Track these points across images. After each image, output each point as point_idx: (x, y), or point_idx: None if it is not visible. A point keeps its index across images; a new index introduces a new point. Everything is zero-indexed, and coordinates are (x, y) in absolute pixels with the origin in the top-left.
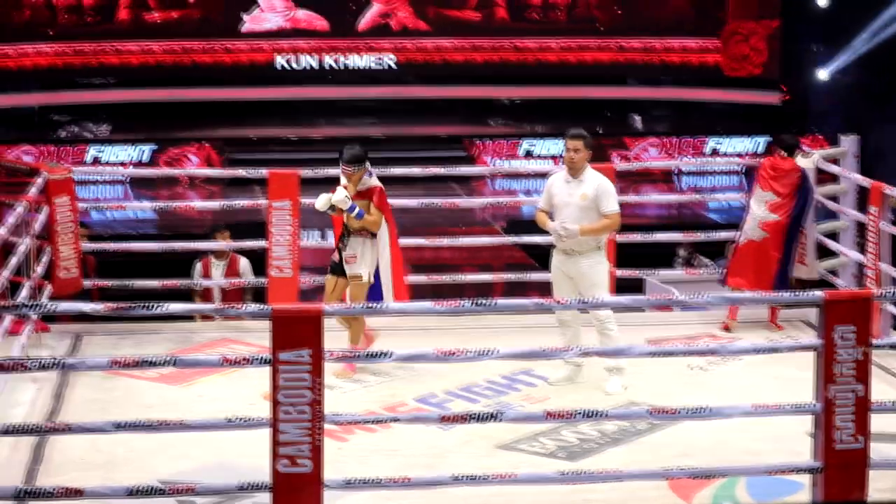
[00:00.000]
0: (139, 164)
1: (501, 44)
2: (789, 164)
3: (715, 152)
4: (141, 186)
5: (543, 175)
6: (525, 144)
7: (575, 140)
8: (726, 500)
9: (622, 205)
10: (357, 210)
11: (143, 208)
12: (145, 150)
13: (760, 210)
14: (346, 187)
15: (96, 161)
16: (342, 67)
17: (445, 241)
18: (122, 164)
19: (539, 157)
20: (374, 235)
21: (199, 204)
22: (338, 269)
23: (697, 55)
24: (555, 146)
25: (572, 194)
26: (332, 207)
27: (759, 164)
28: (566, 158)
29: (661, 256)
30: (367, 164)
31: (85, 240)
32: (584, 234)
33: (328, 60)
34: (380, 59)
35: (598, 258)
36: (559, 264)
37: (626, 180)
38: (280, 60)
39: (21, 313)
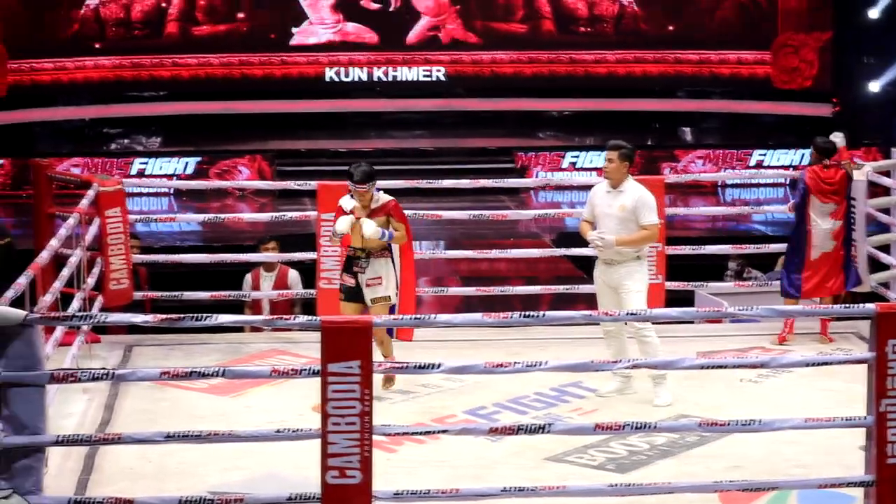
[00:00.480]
0: (183, 176)
1: (550, 56)
2: (839, 173)
3: (759, 164)
4: (185, 198)
5: (590, 187)
6: (569, 156)
7: (610, 151)
8: None
9: (671, 217)
10: (388, 235)
11: (191, 220)
12: (190, 163)
13: (826, 223)
14: (353, 210)
15: (141, 173)
16: (391, 80)
17: (494, 253)
18: (167, 176)
19: (582, 168)
20: (389, 250)
21: (247, 216)
22: (354, 296)
23: (748, 67)
24: (598, 158)
25: (612, 205)
26: (334, 235)
27: (808, 177)
28: (603, 169)
29: (712, 268)
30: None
31: (136, 251)
32: (620, 245)
33: (377, 73)
34: (429, 71)
35: (637, 268)
36: (600, 275)
37: (676, 192)
38: (330, 73)
39: (73, 325)
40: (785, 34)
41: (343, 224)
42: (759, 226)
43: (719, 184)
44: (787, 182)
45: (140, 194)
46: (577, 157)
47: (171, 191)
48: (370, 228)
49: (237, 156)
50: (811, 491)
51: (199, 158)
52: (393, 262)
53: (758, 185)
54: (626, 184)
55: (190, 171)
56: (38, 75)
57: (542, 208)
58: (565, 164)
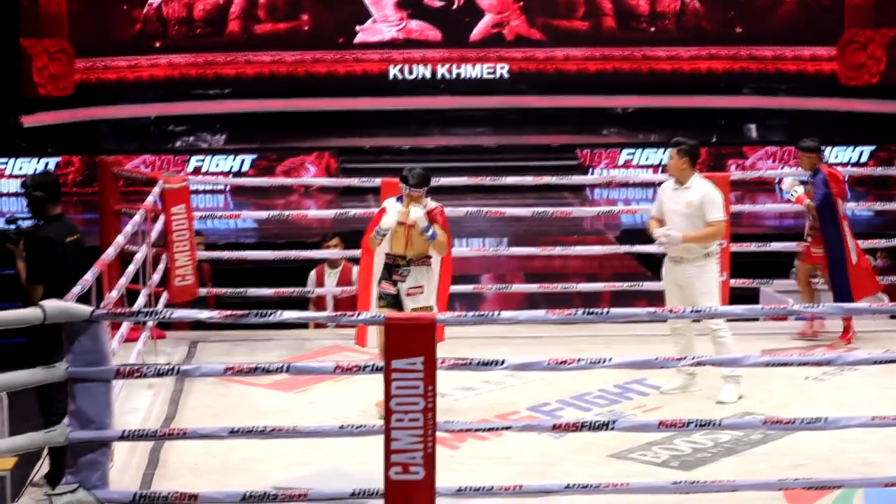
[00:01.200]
0: (240, 173)
1: (613, 53)
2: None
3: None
4: (244, 195)
5: (650, 184)
6: (625, 153)
7: (671, 148)
8: None
9: (737, 214)
10: (431, 231)
11: (255, 217)
12: (246, 160)
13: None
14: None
15: (198, 171)
16: (455, 77)
17: (557, 250)
18: (223, 173)
19: (638, 166)
20: (429, 259)
21: (311, 213)
22: (393, 303)
23: (813, 63)
24: (654, 155)
25: (678, 202)
26: (379, 231)
27: (830, 181)
28: (669, 166)
29: (777, 265)
30: None
31: (201, 248)
32: (686, 242)
33: (441, 70)
34: (492, 68)
35: (705, 265)
36: (669, 272)
37: (742, 189)
38: (393, 71)
39: (138, 320)
40: (851, 30)
41: (390, 219)
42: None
43: (778, 180)
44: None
45: (196, 192)
46: (633, 154)
47: (227, 188)
48: (417, 213)
49: (302, 153)
50: (878, 489)
51: (255, 156)
52: (433, 270)
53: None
54: (693, 181)
55: (247, 168)
56: (104, 73)
57: (600, 205)
58: (621, 161)
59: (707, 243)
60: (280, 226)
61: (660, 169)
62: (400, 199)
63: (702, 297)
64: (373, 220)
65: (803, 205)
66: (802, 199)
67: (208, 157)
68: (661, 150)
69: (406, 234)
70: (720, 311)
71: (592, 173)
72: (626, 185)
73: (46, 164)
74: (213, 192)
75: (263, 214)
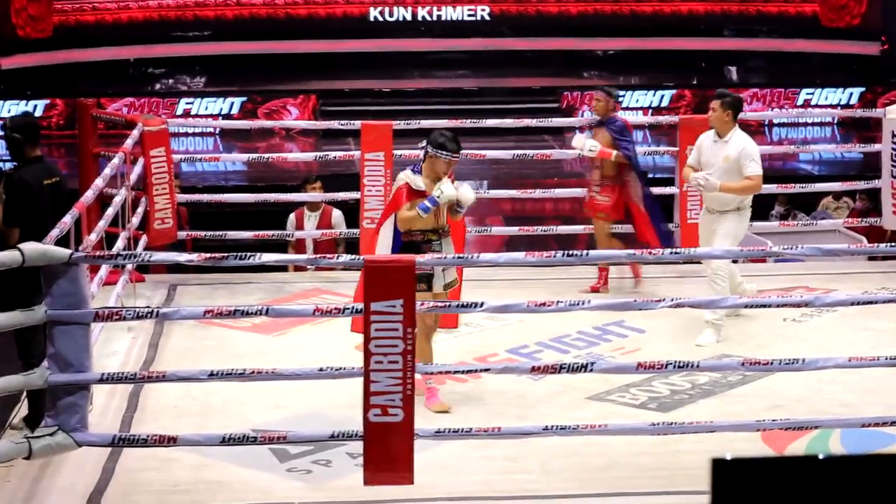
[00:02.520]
0: (229, 116)
1: None
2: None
3: (807, 103)
4: (231, 138)
5: (637, 127)
6: (650, 96)
7: (714, 100)
8: (820, 452)
9: None
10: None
11: (235, 160)
12: (235, 103)
13: None
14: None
15: (187, 113)
16: (435, 19)
17: (537, 193)
18: (213, 116)
19: (627, 108)
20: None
21: (291, 156)
22: (429, 282)
23: (794, 5)
24: (644, 97)
25: (717, 154)
26: (431, 207)
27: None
28: (709, 118)
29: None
30: None
31: (177, 191)
32: (724, 191)
33: (422, 12)
34: (473, 10)
35: (739, 218)
36: (704, 223)
37: None
38: (374, 12)
39: (117, 263)
40: None
41: (451, 192)
42: (805, 165)
43: (766, 123)
44: (836, 121)
45: (185, 134)
46: (623, 96)
47: (217, 131)
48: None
49: (283, 96)
50: (854, 430)
51: (244, 98)
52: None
53: (805, 125)
54: (732, 134)
55: (236, 111)
56: (82, 15)
57: None
58: (648, 104)
59: (742, 196)
60: (261, 169)
61: (650, 111)
62: (415, 169)
63: (720, 239)
64: (393, 200)
65: (611, 158)
66: (607, 153)
67: (197, 100)
68: (650, 92)
69: (438, 208)
70: (700, 253)
71: (582, 116)
72: None
73: (35, 107)
74: (202, 134)
75: (243, 157)
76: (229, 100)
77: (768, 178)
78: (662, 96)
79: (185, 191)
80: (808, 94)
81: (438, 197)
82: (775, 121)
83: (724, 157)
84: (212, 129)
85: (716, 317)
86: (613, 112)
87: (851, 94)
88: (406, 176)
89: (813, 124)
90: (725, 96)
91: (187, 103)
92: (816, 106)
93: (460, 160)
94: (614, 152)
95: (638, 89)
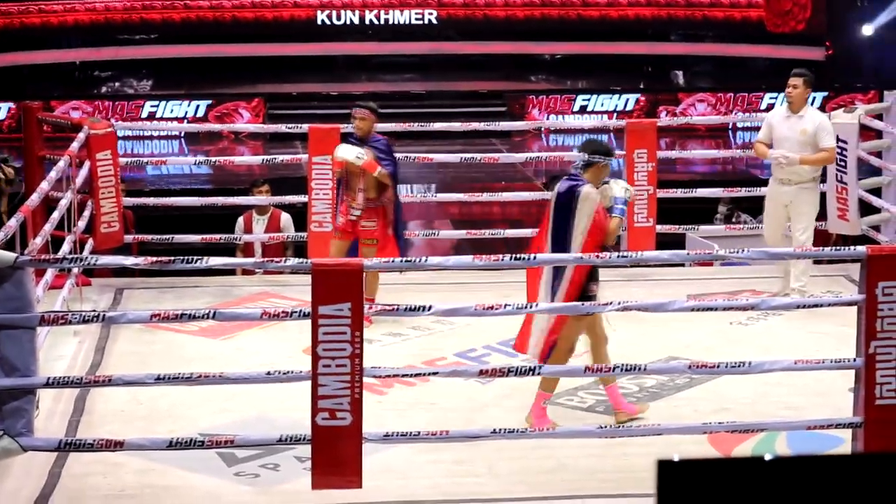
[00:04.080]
0: (195, 119)
1: None
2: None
3: (771, 108)
4: (194, 142)
5: (589, 131)
6: (580, 100)
7: (794, 78)
8: (766, 454)
9: (666, 160)
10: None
11: (185, 163)
12: (201, 106)
13: None
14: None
15: (152, 116)
16: (383, 23)
17: (484, 197)
18: (178, 119)
19: (593, 112)
20: None
21: (239, 159)
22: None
23: (740, 10)
24: (608, 101)
25: (792, 129)
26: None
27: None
28: (787, 94)
29: (702, 212)
30: None
31: (123, 195)
32: (804, 164)
33: (369, 16)
34: (420, 14)
35: (811, 188)
36: (774, 193)
37: (673, 135)
38: (321, 16)
39: (63, 267)
40: None
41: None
42: (755, 169)
43: (730, 127)
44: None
45: (151, 137)
46: (588, 100)
47: (182, 134)
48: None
49: (232, 99)
50: (800, 432)
51: (209, 102)
52: None
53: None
54: (806, 109)
55: (201, 114)
56: (27, 17)
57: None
58: (576, 108)
59: (816, 168)
60: (218, 172)
61: (614, 115)
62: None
63: (802, 215)
64: (596, 220)
65: (374, 173)
66: (374, 166)
67: (163, 103)
68: (612, 96)
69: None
70: (647, 256)
71: (545, 119)
72: (564, 131)
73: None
74: (168, 137)
75: (190, 160)
76: (195, 103)
77: (712, 182)
78: (627, 100)
79: (131, 194)
80: (771, 98)
81: (626, 194)
82: (738, 125)
83: (802, 130)
84: (177, 133)
85: (801, 283)
86: (374, 130)
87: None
88: (592, 190)
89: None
90: (805, 74)
91: (152, 106)
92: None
93: (411, 163)
94: (379, 168)
95: (598, 93)
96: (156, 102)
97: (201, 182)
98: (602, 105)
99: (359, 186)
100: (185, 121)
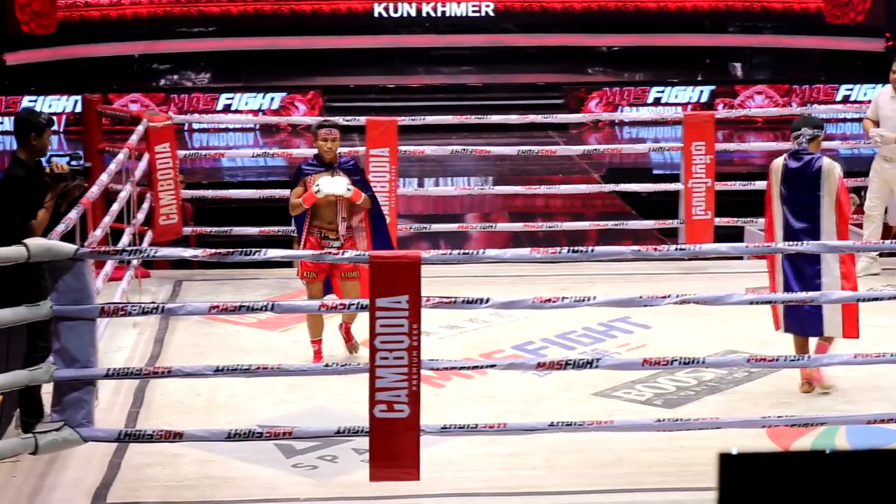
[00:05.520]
0: (268, 111)
1: None
2: None
3: (846, 99)
4: (268, 134)
5: (651, 123)
6: (654, 92)
7: None
8: (826, 448)
9: (724, 153)
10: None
11: (238, 156)
12: (276, 98)
13: None
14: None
15: (227, 108)
16: (440, 15)
17: (542, 189)
18: (253, 111)
19: (667, 104)
20: None
21: (296, 151)
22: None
23: (799, 2)
24: (682, 93)
25: (895, 109)
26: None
27: None
28: (892, 79)
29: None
30: None
31: (182, 187)
32: None
33: (426, 8)
34: (477, 6)
35: None
36: (879, 170)
37: (731, 128)
38: (378, 8)
39: (122, 259)
40: None
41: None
42: None
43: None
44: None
45: (227, 130)
46: (663, 92)
47: (257, 126)
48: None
49: (296, 92)
50: (859, 426)
51: (284, 94)
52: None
53: (831, 121)
54: None
55: (276, 106)
56: (87, 11)
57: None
58: (650, 100)
59: None
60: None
61: (689, 107)
62: None
63: None
64: (843, 190)
65: (359, 201)
66: (359, 194)
67: (239, 95)
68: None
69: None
70: (705, 249)
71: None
72: (622, 123)
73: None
74: (242, 130)
75: (249, 152)
76: (270, 95)
77: None
78: (702, 92)
79: (191, 186)
80: (847, 89)
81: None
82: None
83: None
84: (252, 126)
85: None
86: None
87: (850, 90)
88: (833, 161)
89: (838, 120)
90: None
91: (228, 98)
92: (854, 102)
93: (468, 156)
94: (363, 195)
95: (674, 85)
96: (231, 95)
97: (277, 174)
98: (676, 97)
99: (341, 216)
100: (261, 113)
